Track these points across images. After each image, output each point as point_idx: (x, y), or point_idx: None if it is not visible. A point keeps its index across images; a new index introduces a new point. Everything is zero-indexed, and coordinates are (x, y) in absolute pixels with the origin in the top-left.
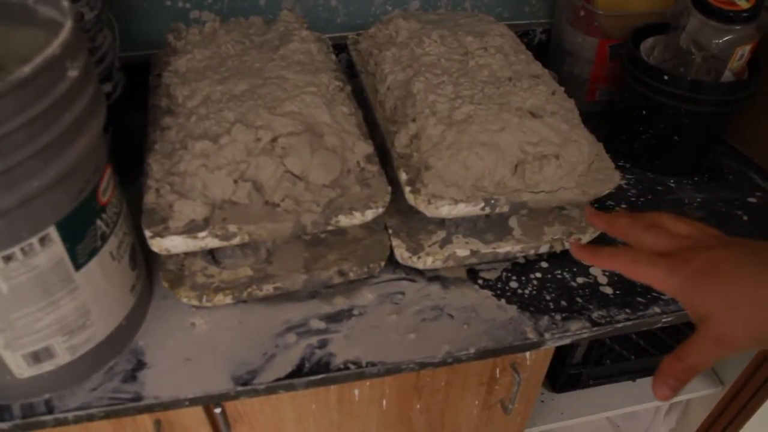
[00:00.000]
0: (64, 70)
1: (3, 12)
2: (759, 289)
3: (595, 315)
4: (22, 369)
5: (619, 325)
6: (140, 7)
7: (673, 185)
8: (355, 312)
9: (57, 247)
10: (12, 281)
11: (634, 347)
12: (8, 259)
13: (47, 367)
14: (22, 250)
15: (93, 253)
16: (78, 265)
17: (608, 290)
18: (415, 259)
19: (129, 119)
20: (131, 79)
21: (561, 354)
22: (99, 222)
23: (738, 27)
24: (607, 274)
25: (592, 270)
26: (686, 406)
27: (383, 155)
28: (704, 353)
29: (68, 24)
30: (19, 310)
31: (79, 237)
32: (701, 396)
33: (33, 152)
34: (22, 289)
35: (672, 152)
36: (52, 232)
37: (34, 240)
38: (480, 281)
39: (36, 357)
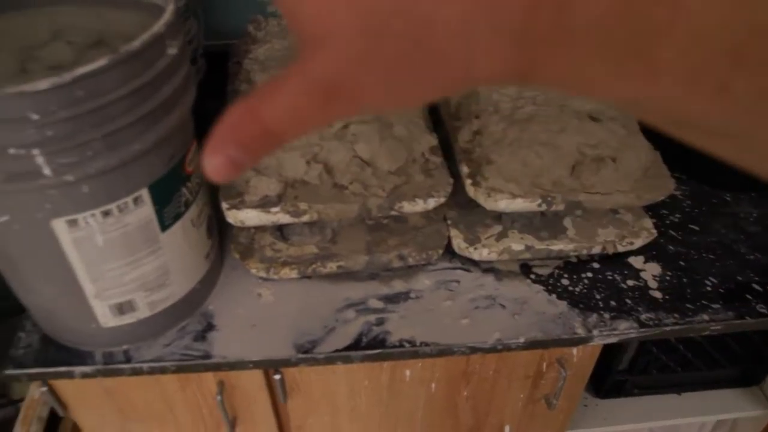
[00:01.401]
0: (164, 48)
1: None
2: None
3: (643, 317)
4: (107, 319)
5: (667, 328)
6: (221, 0)
7: (728, 199)
8: (412, 295)
9: (147, 208)
10: (107, 235)
11: (681, 359)
12: (106, 214)
13: (128, 319)
14: (118, 207)
15: (177, 217)
16: (164, 227)
17: (658, 294)
18: (471, 249)
19: (206, 103)
20: (209, 66)
21: (607, 359)
22: (184, 189)
23: None
24: (657, 278)
25: (642, 274)
26: (732, 427)
27: (446, 149)
28: (299, 109)
29: (170, 6)
30: (110, 263)
31: (167, 201)
32: (749, 417)
33: (136, 118)
34: (114, 244)
35: (729, 166)
36: (145, 193)
37: (129, 199)
38: (532, 276)
39: (120, 308)
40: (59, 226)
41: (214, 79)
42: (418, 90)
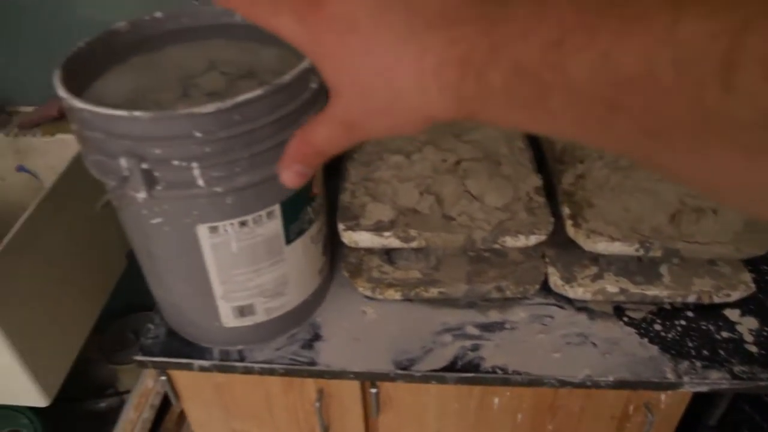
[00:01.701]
0: (308, 82)
1: (257, 33)
2: (401, 64)
3: (736, 369)
4: (228, 319)
5: (762, 383)
6: None
7: None
8: (507, 326)
9: (277, 222)
10: (241, 243)
11: None
12: (243, 224)
13: (247, 321)
14: (253, 219)
15: (300, 233)
16: (288, 240)
17: (753, 348)
18: (567, 287)
19: None
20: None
21: (697, 413)
22: (309, 208)
23: None
24: (753, 332)
25: (738, 327)
26: None
27: (549, 190)
28: (333, 138)
29: None
30: (239, 268)
31: (294, 217)
32: None
33: (277, 142)
34: (245, 251)
35: None
36: (277, 209)
37: (264, 212)
38: (625, 318)
39: (241, 311)
40: (202, 231)
41: None
42: (404, 126)
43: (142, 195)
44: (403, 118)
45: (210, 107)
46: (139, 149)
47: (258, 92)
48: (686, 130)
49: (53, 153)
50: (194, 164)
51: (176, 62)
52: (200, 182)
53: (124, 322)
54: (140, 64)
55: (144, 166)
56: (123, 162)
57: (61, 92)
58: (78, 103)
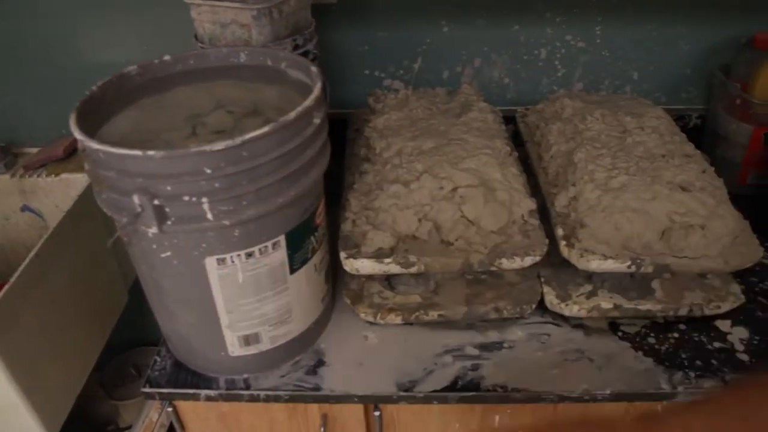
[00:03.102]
0: (311, 118)
1: (261, 73)
2: None
3: (729, 377)
4: (234, 348)
5: None
6: (342, 75)
7: None
8: (506, 345)
9: (282, 252)
10: (247, 273)
11: None
12: (249, 255)
13: (252, 350)
14: (259, 249)
15: (304, 262)
16: (292, 270)
17: (744, 357)
18: (562, 306)
19: None
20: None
21: None
22: (312, 238)
23: None
24: (744, 342)
25: (729, 337)
26: None
27: (542, 213)
28: None
29: (318, 84)
30: (245, 297)
31: (298, 247)
32: None
33: (282, 177)
34: (251, 281)
35: None
36: (282, 239)
37: (269, 243)
38: (620, 333)
39: (247, 340)
40: (210, 263)
41: (332, 143)
42: None
43: (153, 230)
44: None
45: (220, 144)
46: (152, 186)
47: (265, 129)
48: None
49: (58, 192)
50: (204, 199)
51: (184, 102)
52: (209, 216)
53: (124, 358)
54: (149, 105)
55: (156, 202)
56: (136, 199)
57: (77, 134)
58: (93, 144)
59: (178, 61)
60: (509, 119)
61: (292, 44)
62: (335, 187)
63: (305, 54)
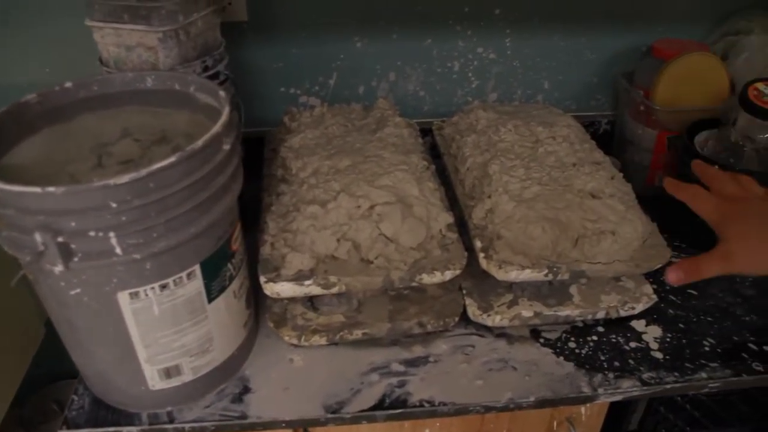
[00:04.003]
0: (221, 144)
1: (169, 98)
2: None
3: (645, 376)
4: (155, 382)
5: (668, 386)
6: (258, 92)
7: None
8: (431, 359)
9: (198, 282)
10: (162, 306)
11: (688, 418)
12: (163, 287)
13: (174, 382)
14: (174, 281)
15: (222, 290)
16: (210, 299)
17: (659, 355)
18: (485, 316)
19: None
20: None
21: (617, 419)
22: (229, 265)
23: None
24: (658, 340)
25: (644, 336)
26: None
27: (461, 226)
28: (712, 263)
29: (226, 109)
30: (162, 330)
31: (214, 275)
32: None
33: (193, 206)
34: (168, 313)
35: None
36: (197, 269)
37: (183, 274)
38: (541, 340)
39: (167, 372)
40: (123, 297)
41: (248, 164)
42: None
43: (59, 268)
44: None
45: (124, 177)
46: (54, 223)
47: (171, 159)
48: None
49: None
50: (111, 234)
51: (89, 131)
52: (118, 251)
53: (45, 393)
54: (52, 134)
55: (60, 239)
56: (38, 237)
57: None
58: None
59: (81, 88)
60: (426, 131)
61: (201, 66)
62: (254, 209)
63: (216, 75)
